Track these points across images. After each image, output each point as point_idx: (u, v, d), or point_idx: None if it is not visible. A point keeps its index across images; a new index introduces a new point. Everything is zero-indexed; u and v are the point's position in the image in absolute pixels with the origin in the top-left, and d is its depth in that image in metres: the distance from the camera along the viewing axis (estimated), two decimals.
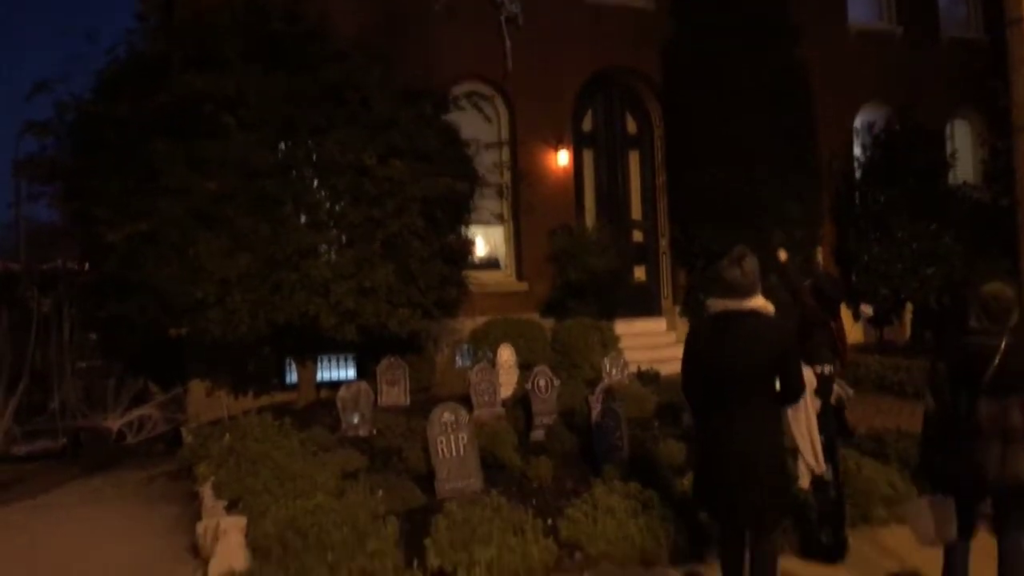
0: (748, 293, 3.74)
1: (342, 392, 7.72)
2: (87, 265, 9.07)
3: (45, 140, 8.10)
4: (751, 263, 3.75)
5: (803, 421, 4.45)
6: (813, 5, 12.60)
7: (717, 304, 3.83)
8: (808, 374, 3.98)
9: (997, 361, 3.53)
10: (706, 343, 3.88)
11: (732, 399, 3.79)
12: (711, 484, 3.93)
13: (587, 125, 12.41)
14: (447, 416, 5.80)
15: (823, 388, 4.55)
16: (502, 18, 11.32)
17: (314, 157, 8.01)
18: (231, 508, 5.51)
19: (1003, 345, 3.54)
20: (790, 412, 4.27)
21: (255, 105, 7.73)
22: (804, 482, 4.47)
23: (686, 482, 5.48)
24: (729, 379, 3.76)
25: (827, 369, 4.56)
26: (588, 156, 12.39)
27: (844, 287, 9.25)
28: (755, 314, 3.75)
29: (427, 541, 4.66)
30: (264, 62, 7.91)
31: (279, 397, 9.49)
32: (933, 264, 11.96)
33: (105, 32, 7.68)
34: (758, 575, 3.90)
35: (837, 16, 13.51)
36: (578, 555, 4.86)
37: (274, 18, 8.03)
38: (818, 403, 4.60)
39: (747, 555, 4.03)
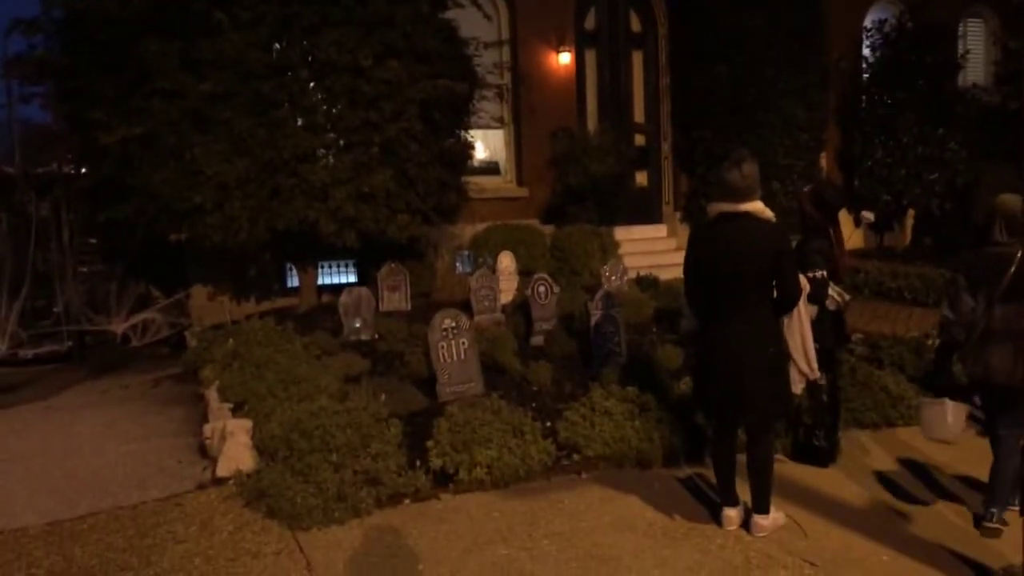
0: (746, 196, 3.78)
1: (343, 297, 7.77)
2: (83, 169, 8.95)
3: (33, 38, 7.86)
4: (751, 166, 3.78)
5: (796, 327, 4.50)
6: None
7: (716, 207, 3.88)
8: (801, 280, 4.04)
9: (1014, 268, 3.73)
10: (704, 245, 3.94)
11: (730, 302, 3.86)
12: (709, 386, 4.03)
13: (589, 23, 12.03)
14: (448, 322, 5.86)
15: (817, 293, 4.60)
16: None
17: (309, 58, 7.79)
18: (236, 410, 5.64)
19: (1020, 253, 3.75)
20: (784, 318, 4.32)
21: (248, 3, 7.47)
22: (797, 388, 4.57)
23: (683, 386, 5.61)
24: (726, 281, 3.83)
25: (819, 274, 4.58)
26: (590, 56, 12.06)
27: (846, 194, 9.20)
28: (752, 216, 3.79)
29: (429, 443, 4.80)
30: None
31: (281, 302, 9.55)
32: (937, 170, 11.83)
33: None
34: (753, 476, 4.04)
35: None
36: (576, 456, 5.01)
37: None
38: (814, 310, 4.65)
39: (740, 458, 4.17)
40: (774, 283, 3.86)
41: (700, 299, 4.04)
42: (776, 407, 4.03)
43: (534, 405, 5.65)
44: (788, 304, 4.02)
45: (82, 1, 7.44)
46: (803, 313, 4.48)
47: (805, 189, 5.21)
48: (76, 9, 7.52)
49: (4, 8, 8.30)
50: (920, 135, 11.80)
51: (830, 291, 4.75)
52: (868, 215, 10.50)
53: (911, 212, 12.57)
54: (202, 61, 7.43)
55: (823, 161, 11.83)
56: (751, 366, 3.83)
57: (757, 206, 3.79)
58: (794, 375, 4.50)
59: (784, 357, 4.30)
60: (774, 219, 3.85)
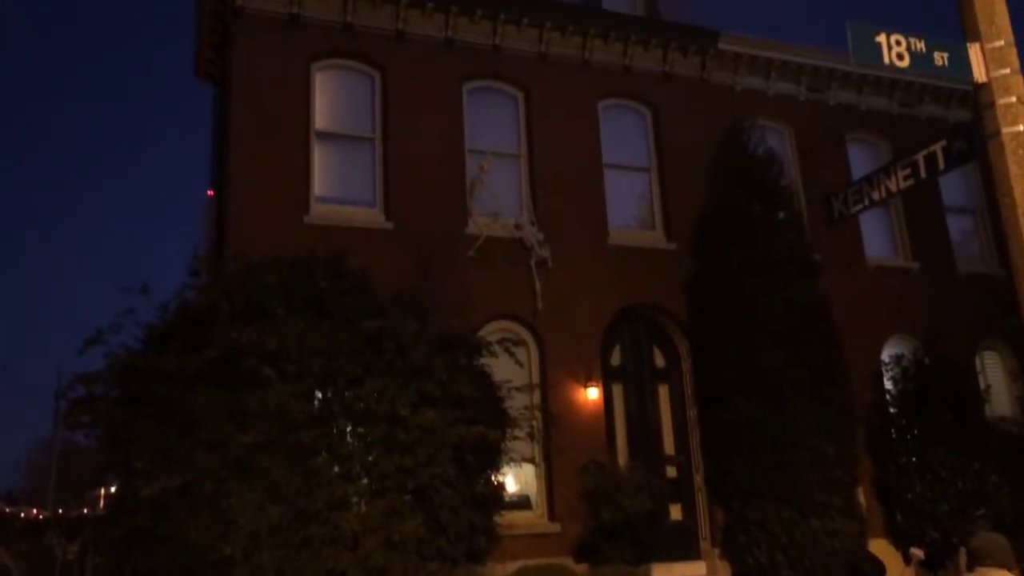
0: None
1: None
2: (118, 514, 9.01)
3: (93, 390, 8.38)
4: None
5: None
6: (831, 241, 13.17)
7: None
8: None
9: None
10: None
11: None
12: None
13: (615, 360, 12.61)
14: None
15: None
16: (532, 262, 11.89)
17: (349, 407, 8.16)
18: None
19: None
20: None
21: (296, 358, 8.02)
22: None
23: None
24: None
25: None
26: (617, 391, 12.48)
27: (883, 566, 8.98)
28: None
29: None
30: (307, 316, 8.29)
31: None
32: (981, 504, 11.52)
33: (159, 288, 8.34)
34: None
35: (855, 252, 14.03)
36: None
37: (320, 276, 8.54)
38: None
39: None
40: None
41: None
42: None
43: None
44: None
45: (143, 359, 8.04)
46: None
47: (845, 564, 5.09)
48: (137, 365, 8.09)
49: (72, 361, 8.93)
50: (957, 467, 11.67)
51: None
52: (918, 552, 10.04)
53: (963, 549, 11.97)
54: (247, 412, 7.79)
55: (860, 496, 11.59)
56: None
57: None
58: None
59: None
60: None
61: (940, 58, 4.96)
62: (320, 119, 11.72)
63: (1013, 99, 5.13)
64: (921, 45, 4.96)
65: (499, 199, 12.08)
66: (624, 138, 13.43)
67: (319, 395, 8.26)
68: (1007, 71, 5.13)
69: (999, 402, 13.82)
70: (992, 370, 14.40)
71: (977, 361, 14.14)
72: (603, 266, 12.33)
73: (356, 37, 11.93)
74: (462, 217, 11.81)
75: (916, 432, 12.18)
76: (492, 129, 12.61)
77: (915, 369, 12.78)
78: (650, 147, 13.54)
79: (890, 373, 13.07)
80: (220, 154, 12.67)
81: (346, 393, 8.17)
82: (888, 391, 12.99)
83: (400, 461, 8.06)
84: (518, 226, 12.03)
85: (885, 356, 13.46)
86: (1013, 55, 5.27)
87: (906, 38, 4.93)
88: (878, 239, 14.50)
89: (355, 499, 7.97)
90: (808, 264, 12.28)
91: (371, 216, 11.51)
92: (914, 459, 12.00)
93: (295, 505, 7.64)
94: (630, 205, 13.26)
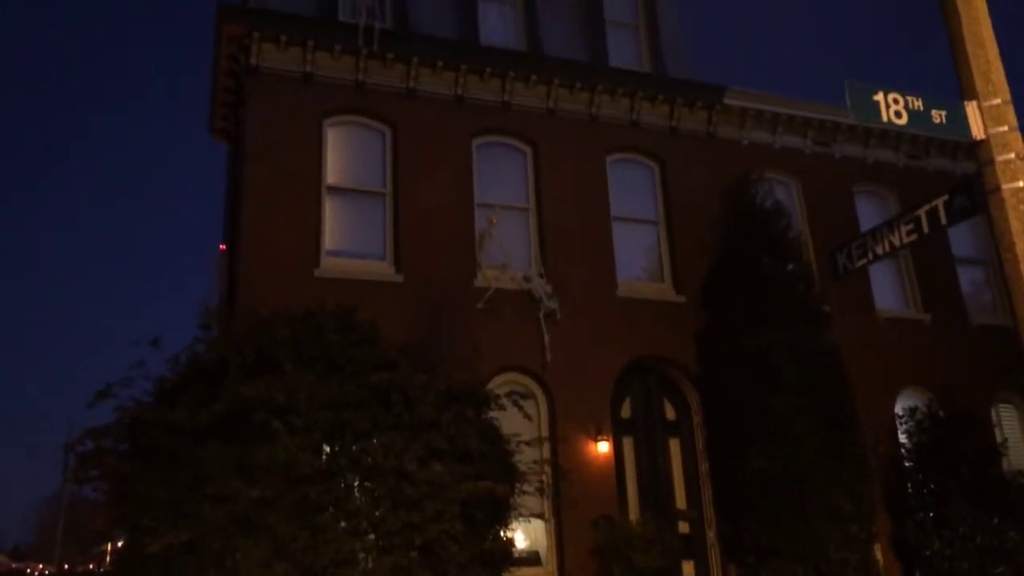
0: None
1: None
2: (124, 570, 8.96)
3: (102, 443, 8.40)
4: None
5: None
6: (840, 293, 13.13)
7: None
8: None
9: None
10: None
11: None
12: None
13: (626, 412, 12.53)
14: None
15: None
16: (541, 314, 11.92)
17: (356, 462, 8.13)
18: None
19: None
20: None
21: (304, 411, 8.03)
22: None
23: None
24: None
25: None
26: (628, 444, 12.37)
27: None
28: None
29: None
30: (317, 370, 8.33)
31: None
32: (1001, 562, 11.26)
33: (170, 342, 8.45)
34: None
35: (865, 304, 13.99)
36: None
37: (329, 330, 8.59)
38: None
39: None
40: None
41: None
42: None
43: None
44: None
45: (153, 412, 8.07)
46: None
47: None
48: (146, 419, 8.12)
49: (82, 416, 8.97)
50: (976, 524, 11.43)
51: None
52: None
53: None
54: (255, 466, 7.78)
55: (878, 553, 11.36)
56: None
57: None
58: None
59: None
60: None
61: (938, 115, 5.03)
62: (332, 174, 11.92)
63: (1012, 156, 5.18)
64: (919, 103, 5.04)
65: (508, 251, 12.18)
66: (632, 191, 13.57)
67: (327, 449, 8.24)
68: (1005, 128, 5.19)
69: (1016, 456, 13.58)
70: (1008, 423, 14.21)
71: (993, 414, 13.97)
72: (612, 318, 12.34)
73: (368, 95, 12.20)
74: (471, 269, 11.90)
75: (933, 487, 11.97)
76: (501, 183, 12.78)
77: (930, 422, 12.62)
78: (658, 200, 13.65)
79: (905, 426, 12.91)
80: (233, 209, 12.86)
81: (353, 447, 8.16)
82: (903, 444, 12.82)
83: (407, 517, 8.00)
84: (527, 278, 12.10)
85: (899, 408, 13.31)
86: (1010, 112, 5.33)
87: (903, 96, 5.01)
88: (888, 290, 14.47)
89: (362, 555, 7.90)
90: (818, 316, 12.25)
91: (381, 269, 11.62)
92: (931, 514, 11.78)
93: (301, 562, 7.58)
94: (639, 257, 13.33)
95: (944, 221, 5.32)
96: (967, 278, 15.18)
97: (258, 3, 12.11)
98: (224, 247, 13.73)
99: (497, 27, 13.75)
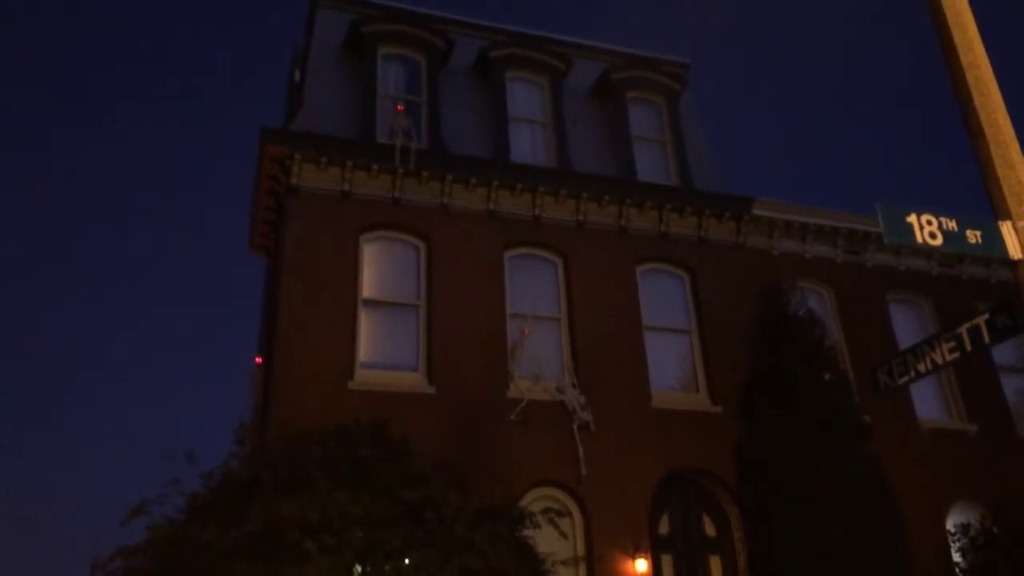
0: None
1: None
2: None
3: (133, 562, 8.29)
4: None
5: None
6: (879, 402, 12.80)
7: None
8: None
9: None
10: None
11: None
12: None
13: (663, 528, 12.15)
14: None
15: None
16: (574, 426, 11.78)
17: None
18: None
19: None
20: None
21: (337, 529, 7.89)
22: None
23: None
24: None
25: None
26: (667, 561, 11.93)
27: None
28: None
29: None
30: (349, 484, 8.23)
31: None
32: None
33: (204, 457, 8.48)
34: None
35: (906, 413, 13.64)
36: None
37: (362, 444, 8.55)
38: None
39: None
40: None
41: None
42: None
43: None
44: None
45: (184, 529, 7.98)
46: None
47: None
48: (176, 537, 8.03)
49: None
50: None
51: None
52: None
53: None
54: None
55: None
56: None
57: None
58: None
59: None
60: None
61: (973, 236, 5.03)
62: (367, 288, 12.14)
63: None
64: (952, 224, 5.05)
65: (540, 362, 12.17)
66: (663, 301, 13.61)
67: (358, 568, 8.05)
68: None
69: None
70: None
71: None
72: (647, 430, 12.15)
73: (403, 210, 12.55)
74: (504, 381, 11.87)
75: None
76: (533, 294, 12.90)
77: (984, 539, 12.03)
78: (689, 309, 13.66)
79: (958, 544, 12.30)
80: (269, 322, 13.07)
81: (386, 567, 7.95)
82: (957, 564, 12.20)
83: None
84: (560, 389, 12.03)
85: (950, 525, 12.74)
86: None
87: (936, 217, 5.03)
88: (929, 400, 14.13)
89: None
90: (859, 427, 11.98)
91: (414, 380, 11.63)
92: None
93: None
94: (672, 367, 13.23)
95: (987, 340, 5.24)
96: (1011, 387, 14.80)
97: (300, 126, 12.67)
98: (260, 360, 13.88)
99: (527, 145, 14.21)
